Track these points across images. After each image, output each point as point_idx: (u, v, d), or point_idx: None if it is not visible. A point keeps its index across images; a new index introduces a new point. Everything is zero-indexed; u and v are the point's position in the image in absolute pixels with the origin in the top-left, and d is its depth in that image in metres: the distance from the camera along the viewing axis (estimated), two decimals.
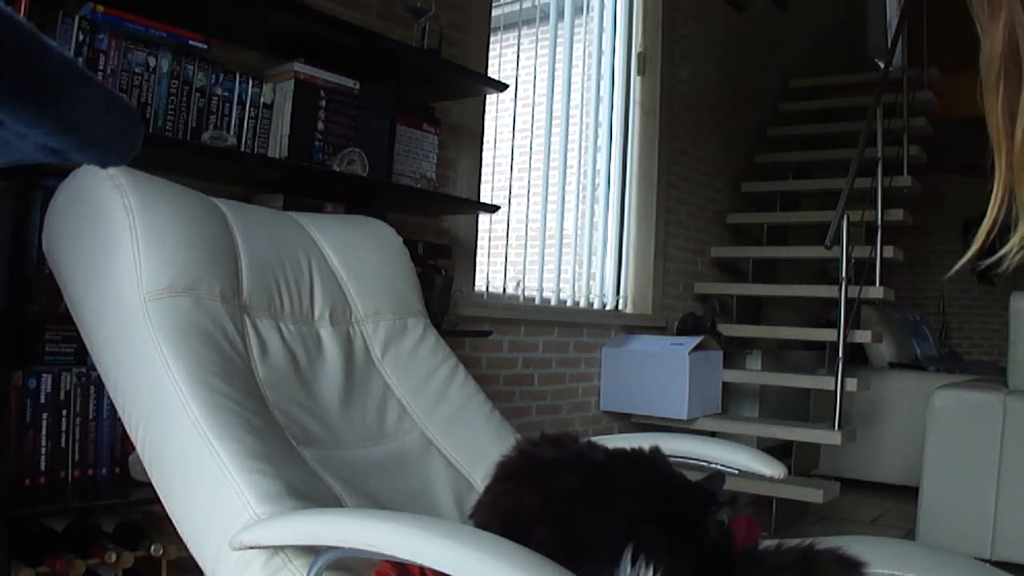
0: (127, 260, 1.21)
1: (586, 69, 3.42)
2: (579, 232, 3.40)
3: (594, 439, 1.25)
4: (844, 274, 3.09)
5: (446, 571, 0.81)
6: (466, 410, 1.55)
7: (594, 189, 3.46)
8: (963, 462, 2.93)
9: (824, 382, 3.32)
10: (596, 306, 3.44)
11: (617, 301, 3.54)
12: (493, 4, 2.82)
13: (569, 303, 3.28)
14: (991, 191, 0.74)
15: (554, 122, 3.22)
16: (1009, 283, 3.28)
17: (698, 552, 0.91)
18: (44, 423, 1.58)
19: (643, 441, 1.44)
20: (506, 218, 2.98)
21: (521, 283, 3.06)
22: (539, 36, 3.29)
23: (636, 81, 3.62)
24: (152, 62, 1.73)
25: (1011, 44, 0.70)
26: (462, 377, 1.59)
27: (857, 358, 4.21)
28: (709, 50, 4.04)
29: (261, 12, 1.84)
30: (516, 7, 3.09)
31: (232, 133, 1.87)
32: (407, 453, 1.43)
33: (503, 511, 1.04)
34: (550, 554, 0.82)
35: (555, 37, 3.22)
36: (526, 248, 3.17)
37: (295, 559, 0.98)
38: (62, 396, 1.61)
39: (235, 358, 1.24)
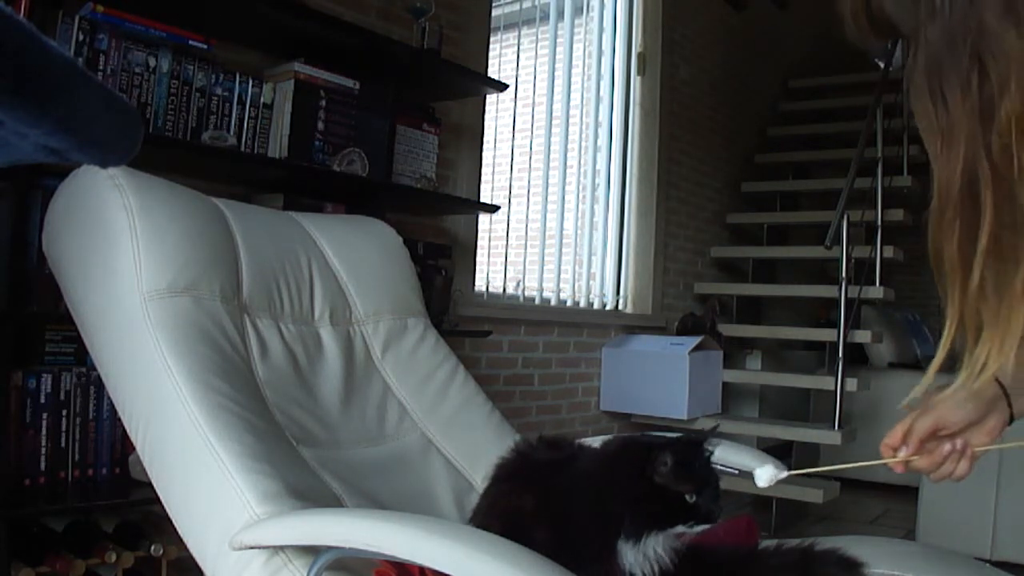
0: (127, 260, 1.21)
1: (586, 69, 3.42)
2: (579, 232, 3.40)
3: (592, 440, 1.25)
4: (844, 274, 3.09)
5: (446, 571, 0.80)
6: (466, 410, 1.55)
7: (594, 189, 3.46)
8: None
9: (824, 382, 3.32)
10: (596, 306, 3.44)
11: (617, 301, 3.54)
12: (493, 4, 2.82)
13: (569, 303, 3.28)
14: (943, 328, 0.73)
15: (554, 122, 3.22)
16: None
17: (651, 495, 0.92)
18: (44, 423, 1.58)
19: None
20: (506, 218, 2.98)
21: (521, 283, 3.06)
22: (539, 36, 3.29)
23: (636, 81, 3.62)
24: (152, 62, 1.73)
25: (970, 184, 0.67)
26: (462, 377, 1.59)
27: (857, 358, 4.21)
28: (709, 50, 4.03)
29: (261, 12, 1.84)
30: (516, 7, 3.09)
31: (232, 133, 1.87)
32: (407, 453, 1.43)
33: (502, 513, 1.04)
34: (550, 554, 0.82)
35: (555, 37, 3.22)
36: (526, 248, 3.17)
37: (295, 559, 0.98)
38: (62, 396, 1.61)
39: (235, 358, 1.24)
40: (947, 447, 0.89)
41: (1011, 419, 0.91)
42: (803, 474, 0.97)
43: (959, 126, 0.66)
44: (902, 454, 0.90)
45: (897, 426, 0.91)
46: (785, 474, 0.95)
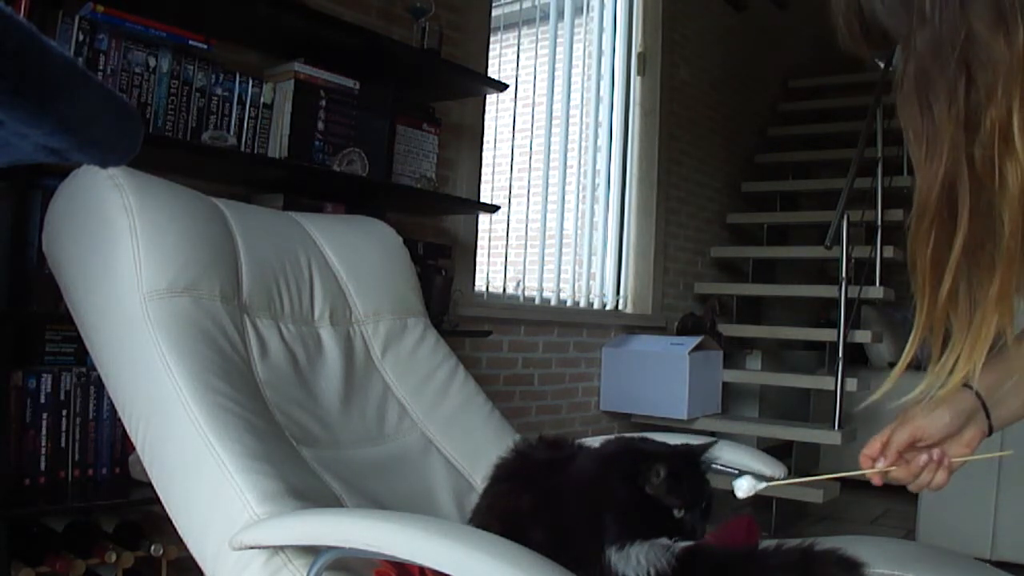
0: (127, 260, 1.20)
1: (586, 69, 3.42)
2: (579, 232, 3.40)
3: (592, 440, 1.25)
4: (844, 274, 3.09)
5: (446, 571, 0.80)
6: (466, 410, 1.55)
7: (594, 189, 3.46)
8: None
9: (824, 382, 3.32)
10: (596, 306, 3.44)
11: (617, 301, 3.54)
12: (493, 4, 2.82)
13: (569, 303, 3.28)
14: (911, 328, 0.74)
15: (554, 122, 3.22)
16: None
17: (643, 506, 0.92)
18: (44, 423, 1.58)
19: None
20: (506, 218, 2.98)
21: (521, 283, 3.06)
22: (539, 36, 3.29)
23: (636, 81, 3.62)
24: (152, 62, 1.73)
25: (949, 192, 0.67)
26: (462, 377, 1.59)
27: (857, 358, 4.21)
28: (709, 50, 4.03)
29: (261, 12, 1.84)
30: (516, 7, 3.09)
31: (232, 133, 1.87)
32: (407, 453, 1.43)
33: (501, 513, 1.04)
34: (548, 554, 0.82)
35: (555, 37, 3.22)
36: (526, 248, 3.17)
37: (295, 559, 0.98)
38: (62, 396, 1.61)
39: (235, 358, 1.24)
40: (924, 458, 0.89)
41: (990, 430, 0.92)
42: (781, 484, 0.97)
43: (943, 134, 0.66)
44: (880, 465, 0.90)
45: (875, 437, 0.92)
46: (763, 485, 0.95)
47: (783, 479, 0.97)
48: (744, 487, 0.96)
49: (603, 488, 0.95)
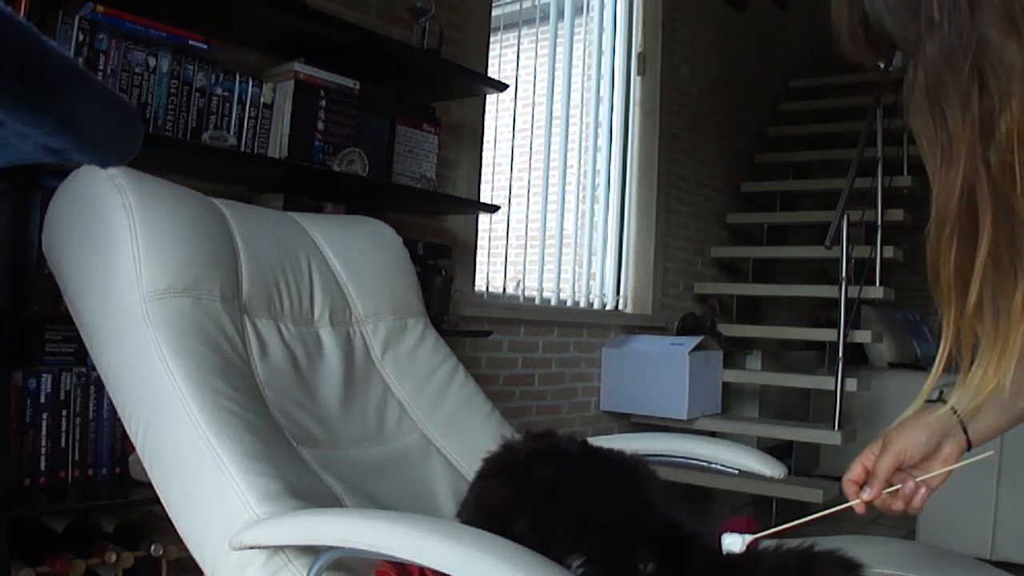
0: (127, 260, 1.20)
1: (586, 69, 3.42)
2: (579, 232, 3.40)
3: (592, 439, 1.25)
4: (844, 274, 3.09)
5: (445, 571, 0.81)
6: (466, 410, 1.55)
7: (594, 189, 3.46)
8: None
9: (824, 382, 3.32)
10: (596, 306, 3.44)
11: (617, 301, 3.54)
12: (493, 4, 2.82)
13: (569, 303, 3.28)
14: (939, 340, 0.73)
15: (554, 122, 3.22)
16: None
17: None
18: (44, 423, 1.58)
19: (642, 441, 1.45)
20: (506, 218, 2.98)
21: (521, 283, 3.06)
22: (539, 36, 3.29)
23: (636, 81, 3.62)
24: (152, 62, 1.73)
25: (968, 200, 0.67)
26: (462, 377, 1.59)
27: (857, 358, 4.21)
28: (709, 50, 4.03)
29: (261, 12, 1.84)
30: (516, 7, 3.09)
31: (232, 133, 1.87)
32: (407, 453, 1.43)
33: (486, 507, 1.05)
34: (530, 546, 0.83)
35: (555, 37, 3.22)
36: (526, 248, 3.17)
37: (295, 559, 0.98)
38: (62, 396, 1.61)
39: (235, 358, 1.24)
40: (899, 504, 0.90)
41: (969, 445, 0.92)
42: (768, 535, 0.97)
43: (959, 141, 0.66)
44: (865, 494, 0.92)
45: (857, 461, 0.93)
46: (752, 538, 0.96)
47: (771, 529, 0.97)
48: (735, 545, 0.96)
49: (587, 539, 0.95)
